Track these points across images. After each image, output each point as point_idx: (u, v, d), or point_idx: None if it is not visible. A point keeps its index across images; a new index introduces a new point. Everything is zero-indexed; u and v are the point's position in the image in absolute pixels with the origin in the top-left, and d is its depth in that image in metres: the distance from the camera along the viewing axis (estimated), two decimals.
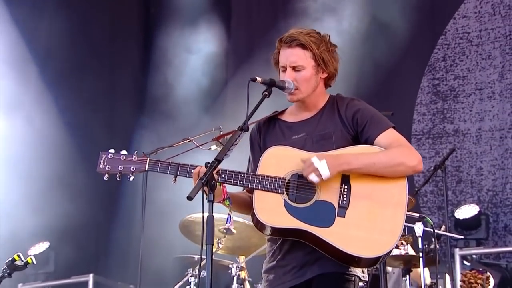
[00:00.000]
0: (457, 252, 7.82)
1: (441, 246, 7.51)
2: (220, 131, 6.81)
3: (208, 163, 4.01)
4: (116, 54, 8.52)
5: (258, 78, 4.27)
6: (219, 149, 6.73)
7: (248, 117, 4.19)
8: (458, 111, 9.17)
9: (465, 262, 8.08)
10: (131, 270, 7.26)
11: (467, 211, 8.53)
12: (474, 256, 8.27)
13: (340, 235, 4.12)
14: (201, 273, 6.59)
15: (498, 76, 8.97)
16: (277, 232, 4.25)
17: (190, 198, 3.85)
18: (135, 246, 6.90)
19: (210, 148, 6.73)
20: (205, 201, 4.01)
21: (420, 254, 6.31)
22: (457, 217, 8.51)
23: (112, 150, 4.34)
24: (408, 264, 6.72)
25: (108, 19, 8.66)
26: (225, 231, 6.84)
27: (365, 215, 4.15)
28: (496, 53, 9.02)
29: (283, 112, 4.58)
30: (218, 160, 4.03)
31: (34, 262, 4.97)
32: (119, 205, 7.86)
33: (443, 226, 6.85)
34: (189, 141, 6.65)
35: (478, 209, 8.53)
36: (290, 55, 4.37)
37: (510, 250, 8.45)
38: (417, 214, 4.55)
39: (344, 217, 4.15)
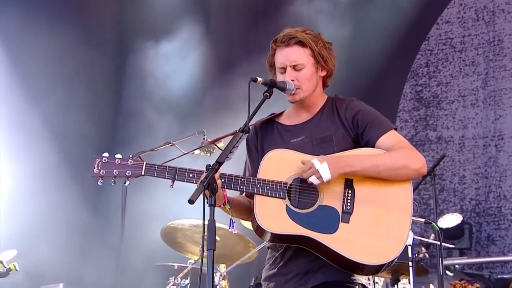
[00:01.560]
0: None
1: (425, 255, 7.49)
2: (204, 135, 6.75)
3: (209, 165, 3.93)
4: (89, 63, 8.35)
5: (259, 79, 4.22)
6: (202, 154, 6.71)
7: (249, 118, 4.12)
8: (441, 118, 9.19)
9: (447, 272, 8.07)
10: (107, 279, 7.11)
11: (450, 220, 8.52)
12: (457, 266, 8.28)
13: (344, 242, 4.06)
14: (183, 282, 6.57)
15: (481, 83, 9.01)
16: (278, 238, 4.18)
17: (191, 201, 3.77)
18: (112, 253, 6.78)
19: (194, 153, 6.67)
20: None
21: (410, 264, 6.26)
22: (440, 226, 8.50)
23: (106, 154, 4.26)
24: (396, 273, 6.70)
25: (79, 23, 8.50)
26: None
27: (370, 220, 4.11)
28: (479, 60, 9.06)
29: (280, 114, 4.52)
30: (219, 163, 3.94)
31: (17, 268, 4.83)
32: (96, 210, 7.71)
33: (432, 235, 6.84)
34: (171, 145, 6.58)
35: (461, 218, 8.53)
36: (289, 54, 4.31)
37: (497, 260, 8.47)
38: (423, 219, 4.52)
39: (348, 222, 4.10)
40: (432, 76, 9.29)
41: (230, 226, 4.28)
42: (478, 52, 9.09)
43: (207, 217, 3.93)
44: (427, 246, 7.22)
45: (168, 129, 7.45)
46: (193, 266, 6.72)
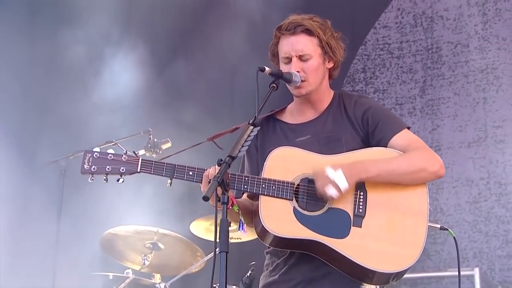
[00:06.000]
0: None
1: None
2: (150, 135, 6.56)
3: (221, 160, 3.76)
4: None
5: (267, 69, 4.13)
6: (148, 155, 6.51)
7: (258, 111, 3.99)
8: None
9: None
10: None
11: None
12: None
13: (357, 247, 3.98)
14: None
15: (419, 91, 9.10)
16: (281, 243, 4.05)
17: (206, 198, 3.60)
18: (46, 263, 6.46)
19: (138, 153, 6.44)
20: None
21: None
22: None
23: (97, 149, 4.15)
24: None
25: None
26: (151, 246, 6.56)
27: (384, 225, 4.03)
28: (417, 67, 9.15)
29: (281, 111, 4.43)
30: (232, 157, 3.78)
31: None
32: (28, 214, 7.33)
33: None
34: (113, 144, 6.35)
35: None
36: (295, 43, 4.22)
37: (432, 276, 8.53)
38: (438, 225, 4.47)
39: (360, 227, 4.02)
40: (369, 82, 9.30)
41: (240, 227, 4.08)
42: (416, 59, 9.17)
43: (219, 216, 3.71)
44: None
45: (108, 128, 7.17)
46: (135, 276, 6.47)
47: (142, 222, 6.61)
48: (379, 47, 9.35)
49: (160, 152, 6.49)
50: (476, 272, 7.66)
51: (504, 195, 8.50)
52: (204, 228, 6.61)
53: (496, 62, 8.73)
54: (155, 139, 6.53)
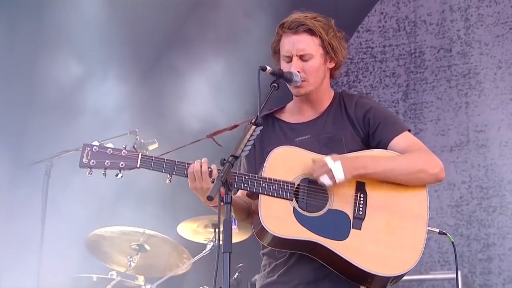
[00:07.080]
0: None
1: None
2: (136, 135, 6.47)
3: (224, 159, 3.72)
4: None
5: (268, 68, 4.10)
6: None
7: (260, 110, 3.97)
8: None
9: None
10: None
11: None
12: None
13: (356, 250, 3.96)
14: None
15: (402, 95, 9.11)
16: (280, 243, 4.01)
17: (210, 197, 3.56)
18: (30, 264, 6.34)
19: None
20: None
21: None
22: None
23: (96, 142, 4.09)
24: None
25: None
26: (137, 247, 6.49)
27: (383, 228, 4.02)
28: (400, 71, 9.16)
29: (280, 110, 4.39)
30: (235, 157, 3.75)
31: None
32: (13, 215, 7.20)
33: None
34: None
35: None
36: (296, 42, 4.19)
37: (413, 279, 8.52)
38: (437, 230, 4.47)
39: (360, 229, 4.00)
40: (352, 85, 9.30)
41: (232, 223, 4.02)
42: (399, 63, 9.18)
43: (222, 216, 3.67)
44: None
45: (94, 129, 7.07)
46: (120, 278, 6.39)
47: (128, 223, 6.51)
48: (362, 51, 9.35)
49: (147, 153, 6.39)
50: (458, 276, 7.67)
51: (485, 199, 8.53)
52: (191, 230, 6.55)
53: (479, 67, 8.76)
54: (142, 140, 6.42)
